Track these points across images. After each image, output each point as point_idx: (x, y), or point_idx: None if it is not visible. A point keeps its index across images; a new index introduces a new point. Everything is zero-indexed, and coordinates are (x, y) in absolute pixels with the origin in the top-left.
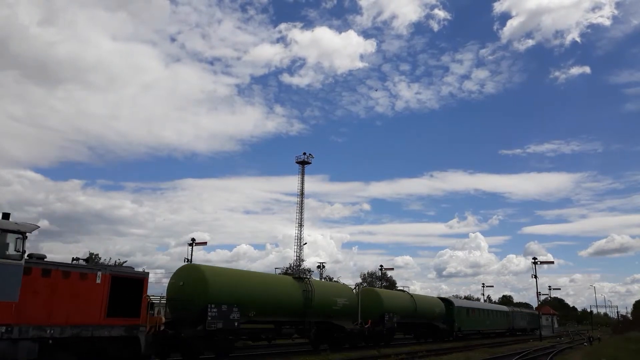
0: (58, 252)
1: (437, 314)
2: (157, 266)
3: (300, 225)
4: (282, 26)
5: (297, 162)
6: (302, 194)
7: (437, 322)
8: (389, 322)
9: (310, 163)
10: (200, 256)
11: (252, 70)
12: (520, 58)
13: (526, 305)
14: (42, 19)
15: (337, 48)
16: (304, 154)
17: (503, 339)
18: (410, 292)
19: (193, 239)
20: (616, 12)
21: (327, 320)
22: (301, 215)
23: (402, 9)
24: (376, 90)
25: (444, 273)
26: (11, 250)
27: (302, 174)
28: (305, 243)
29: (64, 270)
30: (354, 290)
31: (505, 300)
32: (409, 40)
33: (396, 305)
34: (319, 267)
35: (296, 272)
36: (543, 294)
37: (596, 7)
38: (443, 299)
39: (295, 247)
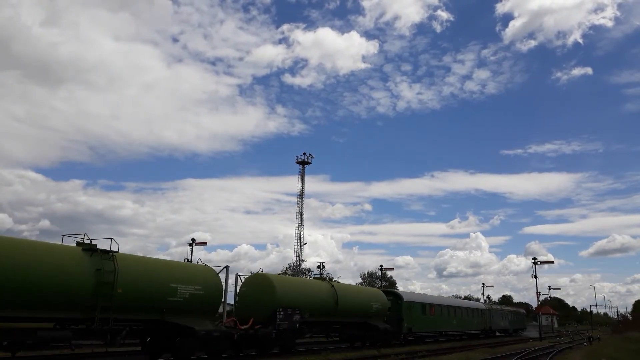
0: None
1: (375, 310)
2: None
3: (301, 225)
4: (285, 27)
5: (297, 162)
6: (302, 194)
7: (375, 322)
8: (283, 321)
9: (310, 163)
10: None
11: (254, 71)
12: (521, 58)
13: (526, 306)
14: (44, 19)
15: (340, 49)
16: (304, 154)
17: (479, 342)
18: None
19: (193, 239)
20: (618, 13)
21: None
22: (301, 215)
23: (405, 9)
24: None
25: (445, 273)
26: None
27: (302, 174)
28: (305, 243)
29: None
30: (218, 275)
31: (505, 300)
32: (410, 40)
33: (300, 298)
34: (319, 267)
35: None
36: (543, 294)
37: (598, 9)
38: (388, 292)
39: (296, 247)
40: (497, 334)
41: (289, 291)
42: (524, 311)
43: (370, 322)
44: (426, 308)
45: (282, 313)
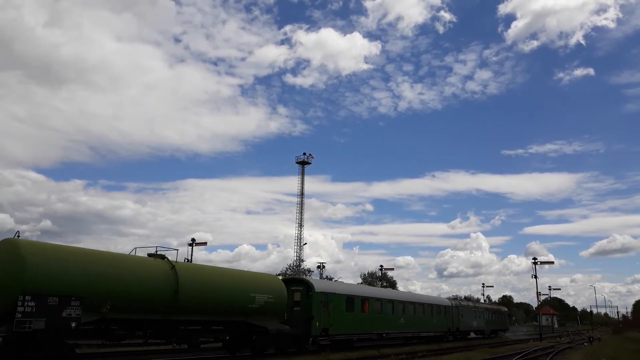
0: None
1: (261, 305)
2: None
3: (300, 225)
4: (287, 28)
5: (297, 162)
6: (302, 194)
7: (262, 321)
8: (36, 316)
9: (310, 163)
10: (201, 256)
11: (255, 71)
12: (523, 59)
13: (526, 306)
14: (47, 20)
15: (342, 50)
16: (304, 154)
17: (440, 346)
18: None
19: (193, 239)
20: (620, 15)
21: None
22: (301, 215)
23: (408, 10)
24: None
25: (445, 273)
26: None
27: (302, 174)
28: (305, 243)
29: None
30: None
31: (505, 300)
32: (412, 41)
33: (90, 281)
34: (319, 267)
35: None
36: (543, 294)
37: (601, 10)
38: (294, 280)
39: (296, 247)
40: (472, 335)
41: (58, 266)
42: (505, 309)
43: (253, 322)
44: (354, 303)
45: (31, 303)
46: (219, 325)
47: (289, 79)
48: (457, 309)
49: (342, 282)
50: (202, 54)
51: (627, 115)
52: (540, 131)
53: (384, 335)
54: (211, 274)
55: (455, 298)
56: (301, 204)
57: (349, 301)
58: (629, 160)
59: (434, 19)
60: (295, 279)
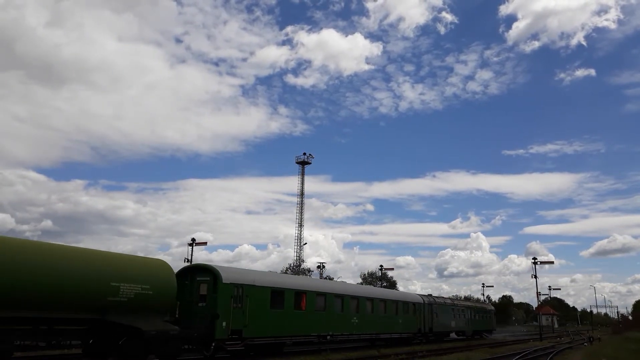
0: None
1: (133, 298)
2: None
3: (300, 225)
4: (289, 29)
5: (297, 162)
6: (302, 194)
7: (134, 320)
8: None
9: (310, 163)
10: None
11: (257, 71)
12: (524, 59)
13: (526, 306)
14: (49, 20)
15: (343, 51)
16: (304, 154)
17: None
18: None
19: (193, 239)
20: (622, 15)
21: None
22: (301, 215)
23: (409, 11)
24: None
25: (445, 273)
26: None
27: (302, 174)
28: (305, 243)
29: None
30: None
31: (505, 300)
32: (414, 41)
33: None
34: (319, 267)
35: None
36: (543, 294)
37: (602, 10)
38: (198, 269)
39: (296, 247)
40: (454, 336)
41: None
42: (492, 308)
43: (117, 321)
44: (284, 297)
45: None
46: (61, 324)
47: (290, 79)
48: (430, 306)
49: (273, 272)
50: (203, 54)
51: (628, 115)
52: (541, 131)
53: (329, 337)
54: (43, 254)
55: (430, 295)
56: (301, 204)
57: (276, 295)
58: (629, 160)
59: (436, 19)
60: (201, 267)
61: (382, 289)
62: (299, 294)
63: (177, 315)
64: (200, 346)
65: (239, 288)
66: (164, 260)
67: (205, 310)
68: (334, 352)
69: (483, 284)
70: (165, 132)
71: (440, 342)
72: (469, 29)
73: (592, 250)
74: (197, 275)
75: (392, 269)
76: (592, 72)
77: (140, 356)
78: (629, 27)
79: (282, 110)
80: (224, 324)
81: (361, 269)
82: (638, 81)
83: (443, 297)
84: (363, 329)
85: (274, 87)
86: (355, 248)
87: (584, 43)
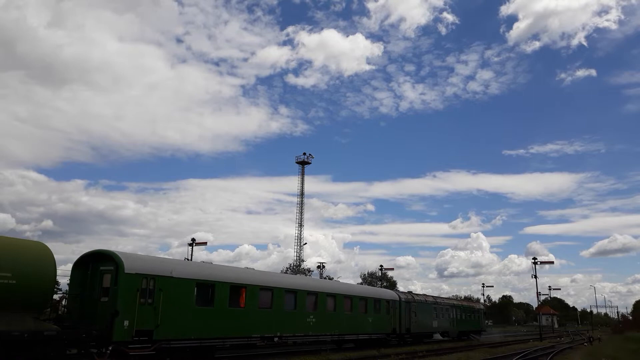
0: (59, 252)
1: None
2: None
3: (300, 225)
4: (290, 29)
5: (297, 162)
6: (302, 194)
7: None
8: None
9: (310, 163)
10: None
11: (257, 71)
12: (525, 59)
13: (526, 306)
14: (50, 21)
15: (344, 51)
16: (304, 154)
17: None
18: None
19: (193, 239)
20: (622, 16)
21: None
22: (301, 215)
23: (410, 11)
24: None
25: (446, 273)
26: None
27: (302, 174)
28: (305, 243)
29: None
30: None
31: (505, 300)
32: (414, 41)
33: None
34: (319, 267)
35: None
36: (543, 294)
37: (603, 11)
38: (101, 255)
39: (296, 247)
40: (438, 337)
41: None
42: (481, 307)
43: None
44: (214, 292)
45: None
46: None
47: (291, 79)
48: (407, 304)
49: (207, 263)
50: (204, 55)
51: (628, 115)
52: (542, 131)
53: (276, 340)
54: None
55: (410, 292)
56: (301, 204)
57: (203, 290)
58: (629, 160)
59: (437, 20)
60: (104, 254)
61: (350, 284)
62: (236, 288)
63: (61, 312)
64: (99, 349)
65: (149, 280)
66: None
67: (106, 307)
68: (333, 352)
69: (483, 284)
70: (165, 132)
71: (418, 344)
72: (469, 30)
73: (592, 250)
74: (101, 264)
75: (392, 269)
76: (593, 72)
77: None
78: (629, 28)
79: (283, 110)
80: (125, 323)
81: (361, 269)
82: (638, 81)
83: (425, 295)
84: (322, 329)
85: (274, 87)
86: (355, 248)
87: (585, 43)
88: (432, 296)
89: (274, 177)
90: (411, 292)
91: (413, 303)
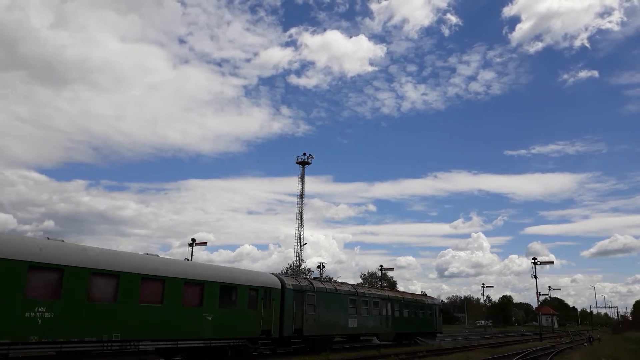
0: None
1: None
2: None
3: (300, 225)
4: (293, 30)
5: (297, 163)
6: (302, 195)
7: None
8: None
9: (310, 163)
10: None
11: (260, 72)
12: (527, 60)
13: (526, 306)
14: (53, 22)
15: (347, 52)
16: (304, 154)
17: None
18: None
19: (193, 239)
20: (625, 18)
21: None
22: (301, 215)
23: (413, 13)
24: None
25: (446, 273)
26: None
27: (302, 175)
28: (305, 243)
29: None
30: None
31: (505, 300)
32: (417, 41)
33: None
34: (319, 267)
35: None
36: (543, 294)
37: (605, 12)
38: None
39: (296, 247)
40: (368, 339)
41: None
42: (437, 302)
43: None
44: None
45: None
46: None
47: (293, 79)
48: (299, 294)
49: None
50: (206, 55)
51: (629, 115)
52: (543, 132)
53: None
54: None
55: (306, 278)
56: (301, 204)
57: None
58: (631, 160)
59: (440, 21)
60: None
61: (160, 257)
62: None
63: None
64: None
65: None
66: None
67: None
68: (334, 352)
69: (483, 284)
70: (167, 132)
71: (318, 353)
72: (472, 31)
73: (593, 250)
74: None
75: (392, 269)
76: (596, 73)
77: None
78: (630, 28)
79: (285, 110)
80: None
81: (362, 269)
82: (638, 82)
83: (336, 282)
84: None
85: (276, 87)
86: (356, 248)
87: (588, 45)
88: (350, 284)
89: (275, 178)
90: (308, 277)
91: (310, 293)
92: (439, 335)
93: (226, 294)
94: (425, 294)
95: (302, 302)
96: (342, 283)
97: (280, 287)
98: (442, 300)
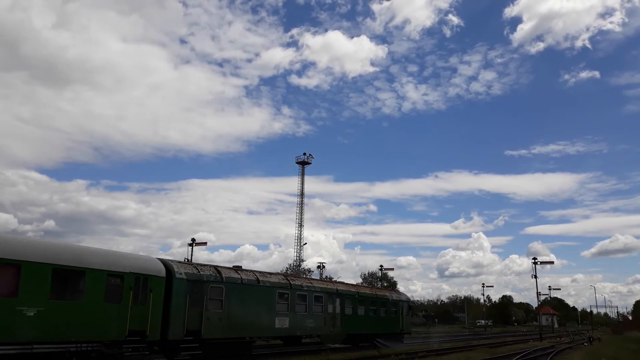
0: None
1: None
2: None
3: (300, 225)
4: (295, 30)
5: (297, 163)
6: (302, 194)
7: None
8: None
9: (309, 163)
10: (203, 256)
11: (261, 72)
12: (528, 60)
13: (526, 306)
14: (55, 22)
15: (349, 53)
16: (304, 154)
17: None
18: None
19: (193, 239)
20: (627, 19)
21: None
22: (301, 215)
23: (415, 13)
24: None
25: (446, 273)
26: None
27: (302, 174)
28: (305, 243)
29: None
30: None
31: (505, 300)
32: (418, 41)
33: None
34: (319, 267)
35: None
36: (543, 294)
37: (607, 13)
38: None
39: (296, 247)
40: (282, 344)
41: None
42: (405, 298)
43: None
44: None
45: None
46: None
47: (294, 79)
48: (198, 285)
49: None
50: (207, 55)
51: (629, 115)
52: (544, 132)
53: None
54: None
55: (210, 266)
56: (301, 204)
57: None
58: (631, 160)
59: (442, 22)
60: None
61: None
62: None
63: None
64: None
65: None
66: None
67: None
68: (334, 352)
69: (483, 284)
70: (167, 132)
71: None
72: (473, 31)
73: (593, 250)
74: None
75: (392, 269)
76: (597, 74)
77: None
78: (630, 28)
79: (286, 110)
80: None
81: (362, 269)
82: (638, 82)
83: (260, 272)
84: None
85: (277, 87)
86: (356, 248)
87: (589, 45)
88: (281, 274)
89: (275, 178)
90: (214, 265)
91: (215, 285)
92: (407, 337)
93: (66, 280)
94: (393, 289)
95: (203, 296)
96: (272, 273)
97: (163, 275)
98: (408, 297)
